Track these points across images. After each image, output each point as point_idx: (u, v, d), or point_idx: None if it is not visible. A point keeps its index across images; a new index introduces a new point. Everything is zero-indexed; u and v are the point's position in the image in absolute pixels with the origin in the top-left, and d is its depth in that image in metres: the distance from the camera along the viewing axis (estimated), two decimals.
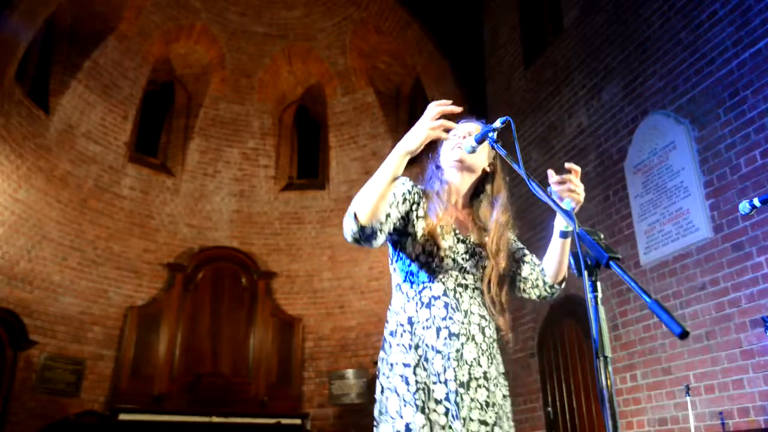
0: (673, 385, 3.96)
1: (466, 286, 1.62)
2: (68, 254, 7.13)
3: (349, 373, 7.81)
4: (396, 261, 1.67)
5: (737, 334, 3.58)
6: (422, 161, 1.82)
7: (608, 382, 1.00)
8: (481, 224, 1.72)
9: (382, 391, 1.55)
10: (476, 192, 1.78)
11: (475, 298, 1.63)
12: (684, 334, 0.89)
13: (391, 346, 1.57)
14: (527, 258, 1.77)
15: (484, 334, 1.61)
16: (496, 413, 1.52)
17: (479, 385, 1.53)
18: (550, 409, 5.20)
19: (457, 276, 1.62)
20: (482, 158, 1.73)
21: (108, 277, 7.47)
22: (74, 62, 7.52)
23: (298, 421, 7.15)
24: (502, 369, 1.66)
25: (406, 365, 1.52)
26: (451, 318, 1.55)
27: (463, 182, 1.73)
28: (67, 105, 7.37)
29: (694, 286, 3.92)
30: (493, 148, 1.54)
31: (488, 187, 1.76)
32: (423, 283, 1.60)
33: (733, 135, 3.82)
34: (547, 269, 1.72)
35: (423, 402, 1.46)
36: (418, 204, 1.61)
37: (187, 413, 6.82)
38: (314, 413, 7.63)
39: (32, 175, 6.80)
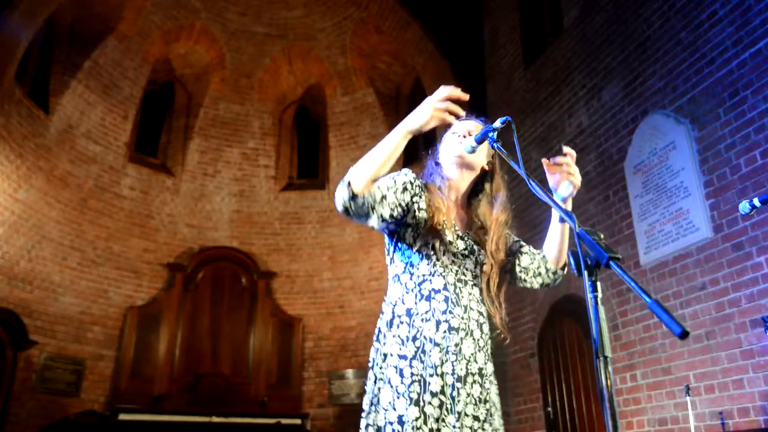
0: (673, 385, 3.96)
1: (466, 282, 1.62)
2: (68, 254, 7.13)
3: (349, 373, 7.81)
4: (394, 252, 1.66)
5: (737, 334, 3.58)
6: (422, 159, 1.83)
7: (608, 382, 1.00)
8: (479, 222, 1.72)
9: (375, 382, 1.53)
10: (474, 190, 1.77)
11: (473, 295, 1.63)
12: (684, 334, 0.89)
13: (386, 336, 1.56)
14: (525, 249, 1.79)
15: (481, 330, 1.61)
16: (488, 410, 1.53)
17: (475, 381, 1.53)
18: (550, 409, 5.20)
19: (457, 271, 1.61)
20: (481, 157, 1.73)
21: (108, 277, 7.47)
22: (74, 62, 7.52)
23: (298, 421, 7.14)
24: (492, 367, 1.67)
25: (401, 357, 1.50)
26: (451, 312, 1.55)
27: (462, 180, 1.73)
28: (67, 105, 7.37)
29: (694, 286, 3.93)
30: (493, 147, 1.54)
31: (487, 186, 1.77)
32: (423, 275, 1.59)
33: (733, 135, 3.82)
34: (548, 255, 1.76)
35: (418, 394, 1.45)
36: (420, 196, 1.60)
37: (187, 413, 6.82)
38: (314, 413, 7.63)
39: (32, 175, 6.80)
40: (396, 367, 1.49)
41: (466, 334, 1.56)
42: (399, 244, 1.64)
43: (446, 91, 1.49)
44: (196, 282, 7.96)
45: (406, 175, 1.58)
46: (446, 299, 1.56)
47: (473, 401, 1.50)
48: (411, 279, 1.60)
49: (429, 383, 1.47)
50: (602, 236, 1.12)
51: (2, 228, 6.37)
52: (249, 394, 7.60)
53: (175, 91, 9.05)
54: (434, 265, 1.59)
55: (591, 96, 5.31)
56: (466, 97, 1.49)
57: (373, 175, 1.46)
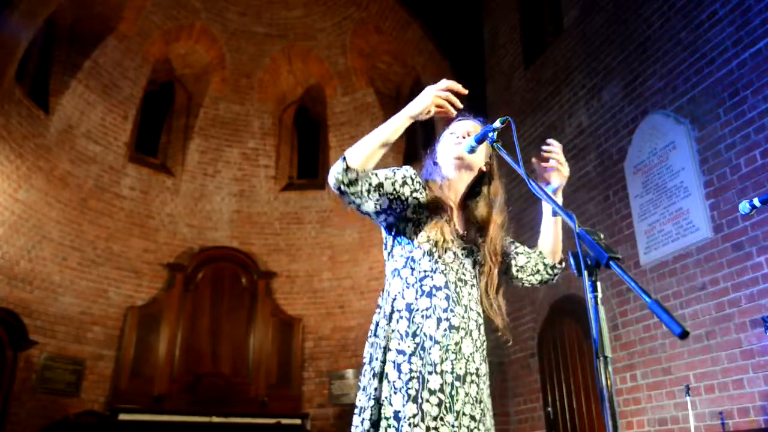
0: (673, 385, 3.96)
1: (465, 282, 1.62)
2: (68, 254, 7.13)
3: (349, 373, 7.81)
4: (394, 246, 1.65)
5: (737, 334, 3.58)
6: (421, 158, 1.83)
7: (608, 382, 1.00)
8: (477, 224, 1.72)
9: (374, 377, 1.49)
10: (470, 192, 1.77)
11: (472, 295, 1.63)
12: (684, 334, 0.89)
13: (385, 331, 1.53)
14: (520, 249, 1.79)
15: (479, 331, 1.61)
16: (481, 410, 1.53)
17: (472, 381, 1.53)
18: (550, 409, 5.20)
19: (457, 270, 1.61)
20: (480, 157, 1.73)
21: (108, 277, 7.47)
22: (74, 62, 7.52)
23: (298, 421, 7.14)
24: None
25: (400, 352, 1.48)
26: (452, 310, 1.54)
27: (461, 180, 1.73)
28: (67, 105, 7.37)
29: (694, 286, 3.92)
30: (493, 147, 1.54)
31: (485, 188, 1.76)
32: (425, 271, 1.57)
33: (733, 135, 3.82)
34: (544, 249, 1.77)
35: (416, 391, 1.43)
36: (420, 192, 1.59)
37: (187, 413, 6.82)
38: (314, 413, 7.63)
39: (32, 175, 6.80)
40: (394, 362, 1.48)
41: (466, 333, 1.55)
42: (399, 238, 1.63)
43: (447, 82, 1.55)
44: (196, 282, 7.96)
45: (407, 170, 1.58)
46: (447, 297, 1.55)
47: (471, 401, 1.50)
48: (412, 274, 1.58)
49: (428, 381, 1.45)
50: (602, 236, 1.12)
51: (2, 228, 6.37)
52: (249, 394, 7.60)
53: (175, 91, 9.05)
54: (436, 262, 1.58)
55: (591, 96, 5.31)
56: (465, 91, 1.55)
57: (369, 152, 1.47)
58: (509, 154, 1.45)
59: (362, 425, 1.45)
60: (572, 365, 5.04)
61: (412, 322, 1.52)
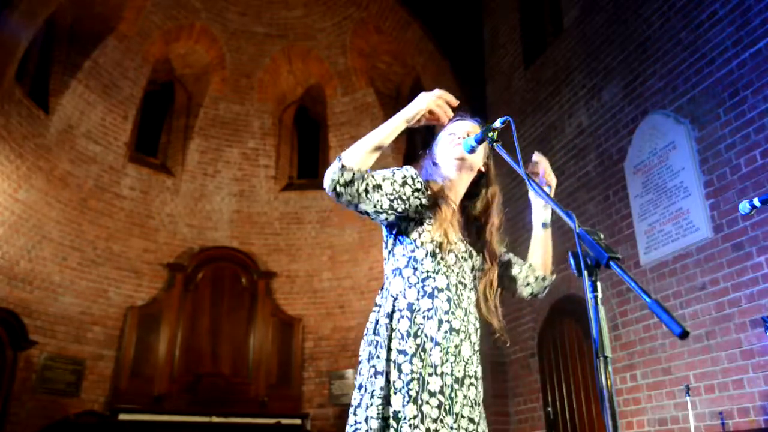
0: (673, 385, 3.96)
1: (465, 285, 1.61)
2: (68, 254, 7.13)
3: (349, 373, 7.81)
4: (395, 245, 1.63)
5: (737, 334, 3.58)
6: (419, 158, 1.82)
7: (608, 382, 1.00)
8: (475, 225, 1.72)
9: (376, 375, 1.47)
10: (468, 192, 1.76)
11: (471, 298, 1.62)
12: (684, 334, 0.89)
13: (386, 329, 1.51)
14: (513, 259, 1.79)
15: (476, 334, 1.61)
16: (479, 413, 1.54)
17: (471, 384, 1.53)
18: (550, 409, 5.20)
19: (458, 273, 1.60)
20: (480, 158, 1.72)
21: (108, 277, 7.47)
22: (74, 62, 7.52)
23: (298, 421, 7.14)
24: None
25: (401, 352, 1.47)
26: (453, 313, 1.54)
27: (462, 181, 1.71)
28: (67, 105, 7.37)
29: (694, 286, 3.93)
30: (493, 147, 1.54)
31: (483, 189, 1.76)
32: (427, 272, 1.56)
33: (733, 135, 3.82)
34: (534, 263, 1.77)
35: (416, 392, 1.42)
36: (422, 192, 1.58)
37: (187, 413, 6.82)
38: (314, 413, 7.63)
39: (32, 175, 6.80)
40: (394, 362, 1.46)
41: (466, 336, 1.55)
42: (400, 237, 1.61)
43: (442, 91, 1.59)
44: (196, 282, 7.96)
45: (407, 170, 1.57)
46: (449, 299, 1.55)
47: (470, 403, 1.51)
48: (414, 274, 1.56)
49: (428, 382, 1.45)
50: (602, 236, 1.12)
51: (2, 228, 6.37)
52: (249, 394, 7.60)
53: (175, 91, 9.05)
54: (438, 263, 1.57)
55: (591, 96, 5.31)
56: (457, 102, 1.60)
57: (364, 153, 1.48)
58: (509, 154, 1.45)
59: (366, 423, 1.42)
60: (572, 365, 5.04)
61: (414, 322, 1.50)
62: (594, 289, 1.06)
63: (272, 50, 8.86)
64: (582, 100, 5.42)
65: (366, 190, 1.45)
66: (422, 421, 1.40)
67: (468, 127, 1.72)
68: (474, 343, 1.58)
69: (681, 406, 3.83)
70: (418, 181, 1.58)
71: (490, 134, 1.51)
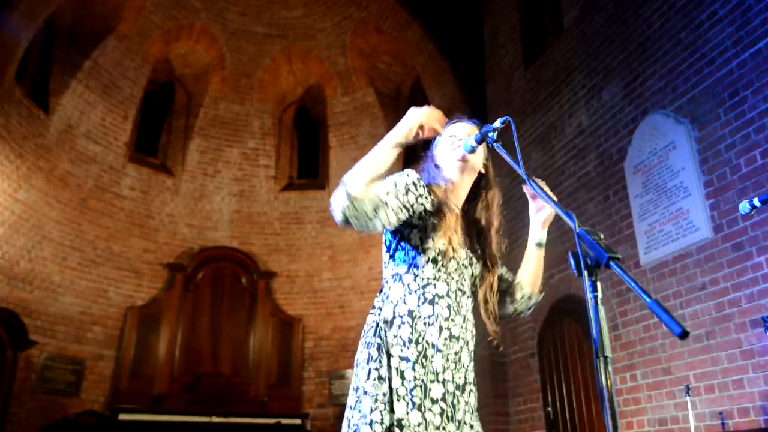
0: (673, 385, 3.96)
1: (464, 292, 1.61)
2: (68, 254, 7.13)
3: (349, 373, 7.81)
4: (396, 250, 1.61)
5: (737, 334, 3.58)
6: (419, 160, 1.81)
7: (608, 382, 1.00)
8: (475, 229, 1.71)
9: (377, 379, 1.44)
10: (468, 194, 1.74)
11: (468, 306, 1.61)
12: (684, 334, 0.89)
13: (387, 334, 1.49)
14: (505, 274, 1.78)
15: (473, 341, 1.61)
16: (477, 419, 1.55)
17: (471, 390, 1.54)
18: (550, 409, 5.20)
19: (457, 280, 1.59)
20: (480, 158, 1.71)
21: (108, 277, 7.47)
22: (74, 62, 7.52)
23: (298, 421, 7.14)
24: None
25: (403, 359, 1.46)
26: (453, 320, 1.53)
27: (464, 183, 1.70)
28: (67, 105, 7.37)
29: (694, 286, 3.92)
30: (493, 148, 1.53)
31: (483, 192, 1.74)
32: (428, 278, 1.55)
33: (733, 135, 3.82)
34: (524, 278, 1.76)
35: (420, 399, 1.42)
36: (425, 197, 1.56)
37: (187, 413, 6.82)
38: (314, 413, 7.63)
39: (32, 175, 6.80)
40: (397, 369, 1.45)
41: (465, 343, 1.55)
42: (403, 243, 1.59)
43: (431, 107, 1.63)
44: (196, 282, 7.96)
45: (408, 176, 1.54)
46: (449, 306, 1.54)
47: (470, 410, 1.51)
48: (414, 281, 1.55)
49: (430, 389, 1.44)
50: (602, 236, 1.12)
51: (2, 228, 6.37)
52: (249, 394, 7.59)
53: (175, 91, 9.05)
54: (439, 270, 1.56)
55: (591, 96, 5.31)
56: (446, 120, 1.68)
57: (369, 178, 1.45)
58: (509, 154, 1.44)
59: (371, 428, 1.39)
60: (572, 365, 5.04)
61: (414, 329, 1.49)
62: (594, 289, 1.06)
63: (272, 50, 8.86)
64: (582, 100, 5.43)
65: (375, 212, 1.44)
66: (426, 428, 1.40)
67: (467, 129, 1.71)
68: (471, 351, 1.58)
69: (681, 406, 3.83)
70: (421, 186, 1.56)
71: (490, 134, 1.51)
